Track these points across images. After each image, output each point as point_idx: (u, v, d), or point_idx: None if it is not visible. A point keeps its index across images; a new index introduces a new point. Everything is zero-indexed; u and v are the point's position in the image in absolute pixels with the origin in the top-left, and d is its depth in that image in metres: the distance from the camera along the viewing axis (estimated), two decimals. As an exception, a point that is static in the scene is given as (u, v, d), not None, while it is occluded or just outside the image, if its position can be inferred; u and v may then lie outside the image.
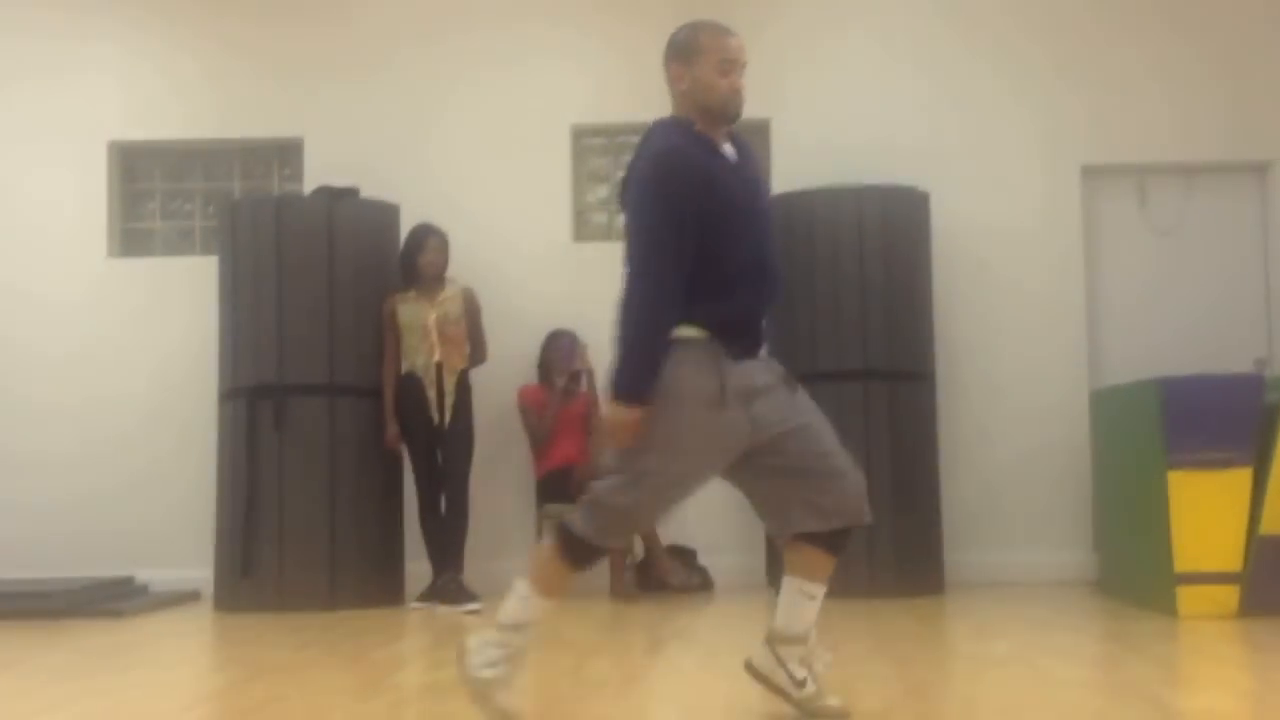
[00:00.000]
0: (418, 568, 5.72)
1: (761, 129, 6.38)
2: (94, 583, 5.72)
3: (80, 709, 3.27)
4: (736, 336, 2.85)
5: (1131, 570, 5.17)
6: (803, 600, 2.92)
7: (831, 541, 2.90)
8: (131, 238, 6.60)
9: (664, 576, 5.76)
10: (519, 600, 2.86)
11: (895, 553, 5.53)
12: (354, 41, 6.42)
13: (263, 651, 4.26)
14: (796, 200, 5.82)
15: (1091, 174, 6.33)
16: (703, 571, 5.94)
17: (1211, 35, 6.27)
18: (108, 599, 5.62)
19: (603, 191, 6.50)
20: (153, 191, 6.63)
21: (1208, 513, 4.63)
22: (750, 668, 2.99)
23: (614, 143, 6.54)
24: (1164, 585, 4.71)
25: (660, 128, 2.91)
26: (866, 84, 6.31)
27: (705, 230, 2.81)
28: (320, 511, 5.52)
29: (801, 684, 2.91)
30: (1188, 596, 4.62)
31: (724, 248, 2.83)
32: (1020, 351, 6.18)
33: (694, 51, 2.90)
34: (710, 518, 6.08)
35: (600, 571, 5.72)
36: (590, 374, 5.86)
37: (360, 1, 6.46)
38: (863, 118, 6.26)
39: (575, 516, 2.81)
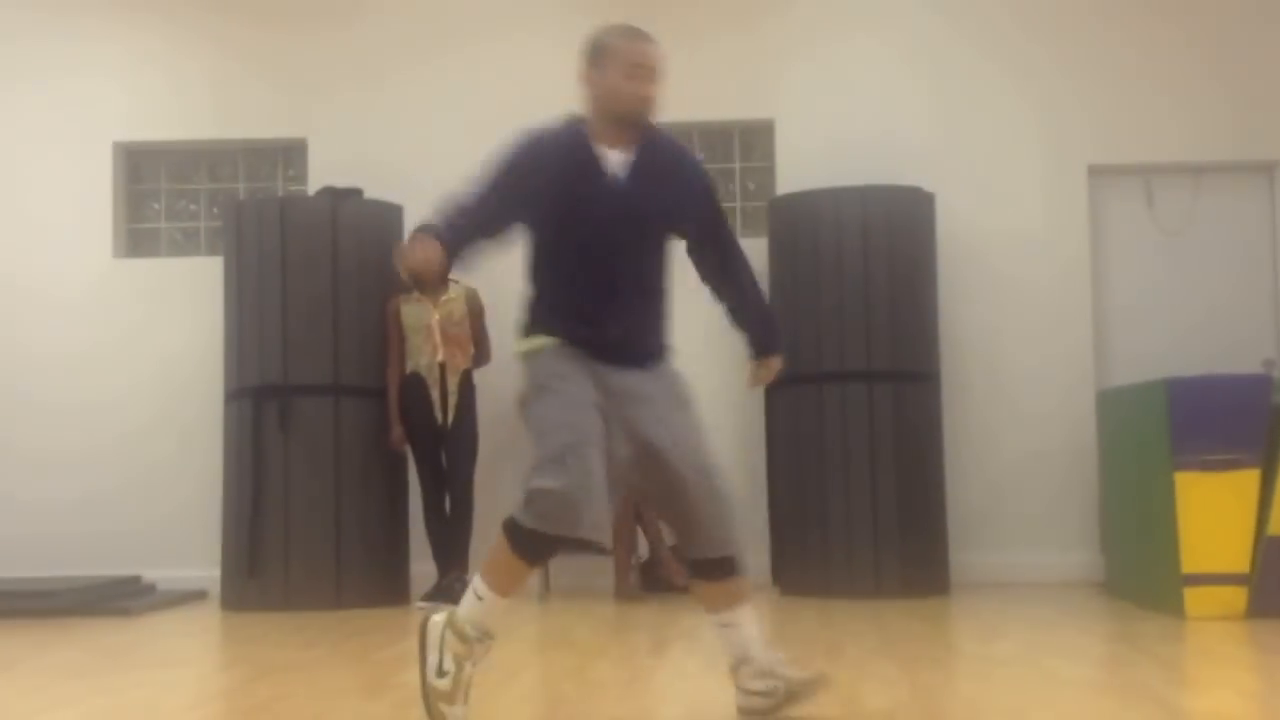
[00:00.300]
0: (423, 568, 5.72)
1: (766, 129, 6.37)
2: (101, 582, 5.73)
3: (87, 707, 3.27)
4: (596, 348, 2.83)
5: (1138, 571, 5.16)
6: (725, 632, 2.93)
7: (707, 570, 2.87)
8: (137, 238, 6.60)
9: (669, 577, 5.75)
10: (476, 602, 2.82)
11: (900, 553, 5.52)
12: (357, 43, 6.42)
13: (268, 651, 4.27)
14: (801, 201, 5.81)
15: (1098, 174, 6.31)
16: (708, 572, 5.93)
17: (1218, 34, 6.26)
18: (115, 598, 5.63)
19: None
20: (158, 192, 6.64)
21: (1215, 514, 4.61)
22: (741, 711, 2.96)
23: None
24: (1171, 586, 4.69)
25: (559, 120, 2.93)
26: (871, 85, 6.30)
27: (549, 231, 2.85)
28: (326, 511, 5.53)
29: (770, 693, 2.90)
30: (1195, 597, 4.61)
31: (575, 257, 2.83)
32: (1026, 352, 6.17)
33: (604, 55, 2.85)
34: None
35: (605, 572, 5.72)
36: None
37: (363, 4, 6.46)
38: (867, 118, 6.25)
39: (520, 509, 2.77)
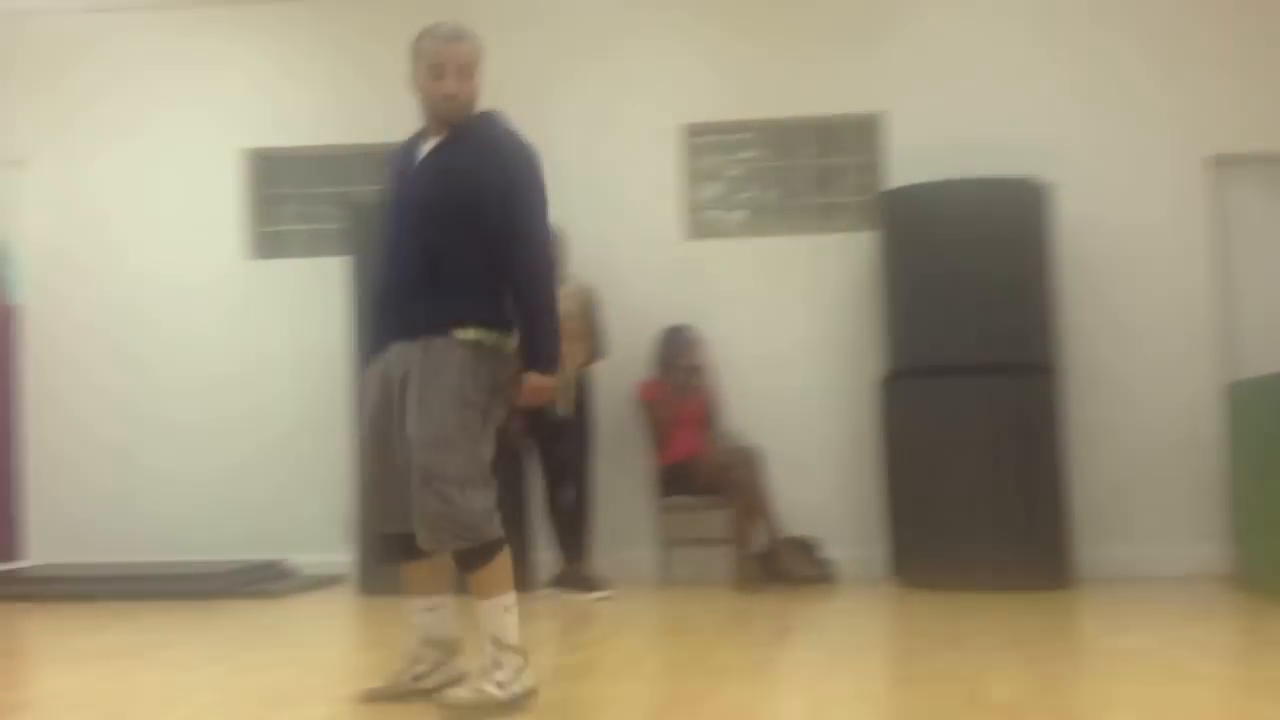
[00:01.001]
0: (545, 557, 5.88)
1: (880, 123, 6.36)
2: (246, 565, 6.05)
3: (234, 684, 3.49)
4: (376, 320, 3.10)
5: (1271, 564, 5.03)
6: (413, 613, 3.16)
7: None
8: (266, 240, 6.90)
9: (786, 568, 5.81)
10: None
11: (1023, 547, 5.47)
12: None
13: (401, 632, 4.45)
14: (917, 194, 5.79)
15: (1223, 163, 6.13)
16: (825, 563, 5.97)
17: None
18: (259, 580, 5.93)
19: (714, 189, 6.56)
20: (286, 196, 6.93)
21: (1353, 507, 4.47)
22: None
23: (726, 140, 6.58)
24: (1306, 581, 4.57)
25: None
26: (987, 76, 6.23)
27: None
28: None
29: (418, 678, 3.12)
30: (1331, 593, 4.48)
31: (383, 234, 3.10)
32: (1152, 343, 6.05)
33: (414, 56, 3.10)
34: (832, 509, 6.10)
35: (724, 562, 5.80)
36: (708, 368, 5.96)
37: (475, 17, 6.63)
38: (984, 110, 6.19)
39: None
